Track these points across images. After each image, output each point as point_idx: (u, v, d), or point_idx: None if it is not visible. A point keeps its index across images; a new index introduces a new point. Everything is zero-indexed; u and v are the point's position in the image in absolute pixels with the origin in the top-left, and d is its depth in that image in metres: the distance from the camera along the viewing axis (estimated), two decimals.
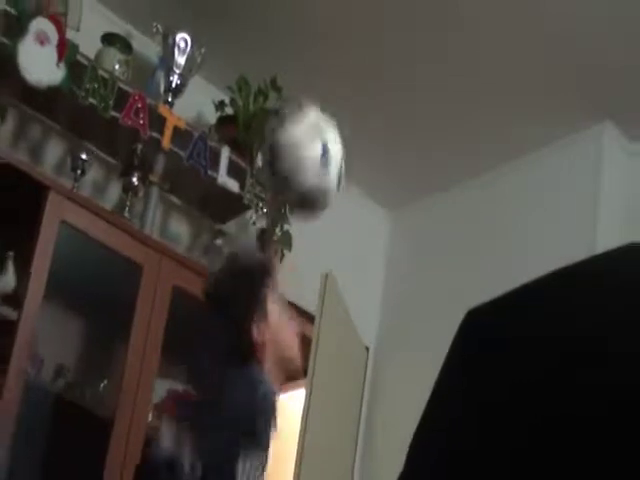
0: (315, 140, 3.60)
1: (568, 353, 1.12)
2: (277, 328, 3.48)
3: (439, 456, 1.24)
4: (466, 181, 5.98)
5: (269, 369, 3.44)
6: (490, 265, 5.58)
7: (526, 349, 1.20)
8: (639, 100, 5.29)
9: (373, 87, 5.48)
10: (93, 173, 4.83)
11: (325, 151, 3.60)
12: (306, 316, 5.39)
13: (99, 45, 4.86)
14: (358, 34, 5.19)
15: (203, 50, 5.04)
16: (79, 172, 4.65)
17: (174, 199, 5.15)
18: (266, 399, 3.27)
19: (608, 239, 5.02)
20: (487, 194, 5.94)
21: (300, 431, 4.87)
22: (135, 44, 5.04)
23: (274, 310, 3.50)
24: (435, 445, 1.26)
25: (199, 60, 5.07)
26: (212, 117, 5.25)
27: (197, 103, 5.22)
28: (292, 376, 5.60)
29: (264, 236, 5.13)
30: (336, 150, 3.65)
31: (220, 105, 5.24)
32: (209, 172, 4.93)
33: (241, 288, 3.46)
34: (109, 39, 4.91)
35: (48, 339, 4.36)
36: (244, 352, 3.39)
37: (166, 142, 4.82)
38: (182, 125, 4.91)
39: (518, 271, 5.18)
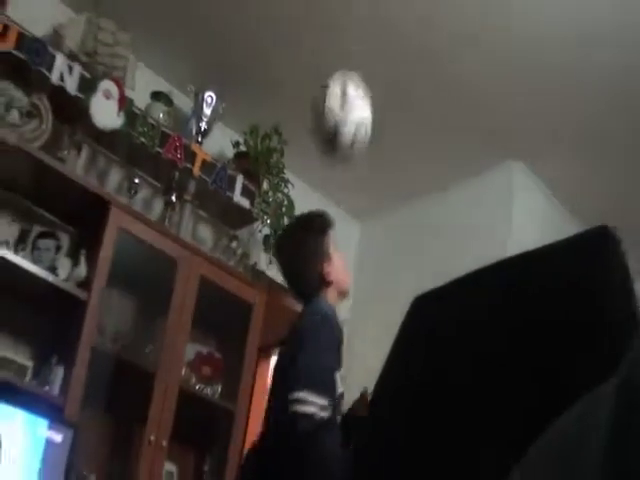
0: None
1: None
2: (338, 269, 3.42)
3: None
4: (413, 201, 6.04)
5: (334, 299, 3.38)
6: (433, 267, 5.60)
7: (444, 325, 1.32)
8: (545, 140, 5.35)
9: None
10: (143, 193, 4.91)
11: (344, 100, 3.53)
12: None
13: (148, 100, 4.95)
14: None
15: (224, 105, 5.15)
16: (133, 192, 4.74)
17: (202, 212, 5.24)
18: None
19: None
20: (429, 213, 5.98)
21: None
22: (175, 100, 5.12)
23: (335, 256, 3.44)
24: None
25: (221, 111, 5.16)
26: (230, 153, 5.35)
27: (219, 143, 5.32)
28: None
29: (268, 241, 5.25)
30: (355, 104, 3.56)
31: (236, 144, 5.34)
32: (227, 193, 5.03)
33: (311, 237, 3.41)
34: (156, 96, 5.01)
35: (110, 313, 4.46)
36: (317, 287, 3.35)
37: (196, 171, 4.91)
38: (208, 159, 5.01)
39: (452, 272, 5.34)
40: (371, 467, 1.29)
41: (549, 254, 1.29)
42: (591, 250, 1.22)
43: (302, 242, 3.43)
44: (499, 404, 1.14)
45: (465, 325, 1.30)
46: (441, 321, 1.35)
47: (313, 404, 2.79)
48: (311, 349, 2.99)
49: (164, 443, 4.21)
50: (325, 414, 2.82)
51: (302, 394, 2.80)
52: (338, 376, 3.03)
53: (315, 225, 3.49)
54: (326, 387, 2.90)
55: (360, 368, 5.78)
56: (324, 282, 3.35)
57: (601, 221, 1.25)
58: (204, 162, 4.98)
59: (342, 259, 3.47)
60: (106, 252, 4.30)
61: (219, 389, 4.71)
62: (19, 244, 4.25)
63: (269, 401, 3.25)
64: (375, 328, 5.85)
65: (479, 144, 5.47)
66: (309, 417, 2.77)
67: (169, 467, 4.47)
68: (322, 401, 2.83)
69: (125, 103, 4.66)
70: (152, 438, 4.18)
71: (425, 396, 1.27)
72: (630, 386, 0.74)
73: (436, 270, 5.47)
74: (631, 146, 5.18)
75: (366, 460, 1.31)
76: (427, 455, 1.21)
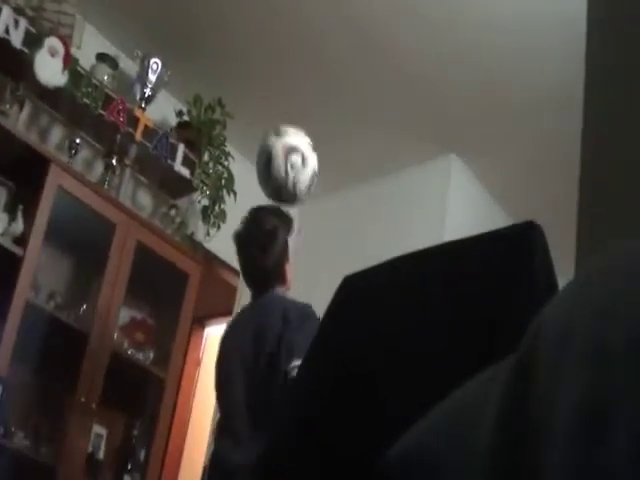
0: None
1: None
2: (291, 271, 3.48)
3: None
4: (355, 184, 5.98)
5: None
6: (369, 252, 5.54)
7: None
8: (482, 137, 5.36)
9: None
10: (83, 154, 4.79)
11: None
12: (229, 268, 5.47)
13: (94, 62, 4.83)
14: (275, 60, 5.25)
15: (169, 72, 5.05)
16: (73, 152, 4.62)
17: (142, 178, 5.12)
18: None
19: None
20: (367, 199, 5.92)
21: None
22: (121, 64, 5.01)
23: (292, 258, 3.48)
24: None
25: (166, 79, 5.05)
26: (173, 121, 5.24)
27: (163, 111, 5.20)
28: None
29: (206, 212, 5.17)
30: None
31: (179, 113, 5.25)
32: (168, 161, 4.94)
33: (279, 237, 3.43)
34: (102, 57, 4.88)
35: (45, 271, 4.32)
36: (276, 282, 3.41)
37: (138, 136, 4.82)
38: (150, 125, 4.91)
39: (387, 257, 5.30)
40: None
41: (476, 242, 1.30)
42: (516, 240, 1.24)
43: (280, 231, 3.45)
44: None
45: (392, 297, 1.33)
46: (371, 295, 1.36)
47: None
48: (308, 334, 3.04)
49: (93, 405, 4.11)
50: None
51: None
52: None
53: (289, 224, 3.52)
54: None
55: None
56: (283, 280, 3.43)
57: (532, 219, 1.24)
58: (146, 128, 4.89)
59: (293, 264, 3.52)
60: (44, 210, 4.19)
61: (151, 355, 4.61)
62: None
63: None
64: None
65: (420, 135, 5.45)
66: None
67: (98, 429, 4.36)
68: None
69: (70, 61, 4.54)
70: (82, 399, 4.08)
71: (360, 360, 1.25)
72: (524, 358, 0.75)
73: (372, 255, 5.47)
74: (566, 146, 5.19)
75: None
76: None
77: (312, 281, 5.94)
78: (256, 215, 3.53)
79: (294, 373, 2.93)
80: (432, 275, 1.30)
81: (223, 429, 3.31)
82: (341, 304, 1.37)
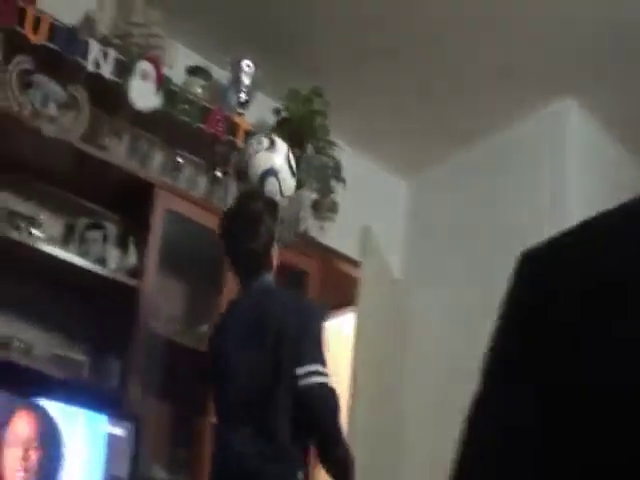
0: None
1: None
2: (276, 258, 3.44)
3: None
4: (463, 149, 5.78)
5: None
6: (492, 211, 5.45)
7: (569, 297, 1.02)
8: (600, 78, 5.07)
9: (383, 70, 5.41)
10: (187, 172, 4.78)
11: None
12: (347, 260, 5.43)
13: (185, 77, 4.83)
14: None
15: (262, 72, 5.00)
16: (176, 172, 4.65)
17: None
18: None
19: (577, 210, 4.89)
20: (482, 159, 5.72)
21: (353, 348, 4.87)
22: (212, 74, 4.98)
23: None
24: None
25: (259, 79, 5.02)
26: (271, 121, 5.19)
27: (260, 113, 5.15)
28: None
29: (317, 206, 5.12)
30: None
31: (277, 111, 5.19)
32: None
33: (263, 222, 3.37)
34: (192, 71, 4.87)
35: (162, 298, 4.34)
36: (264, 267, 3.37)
37: (239, 142, 4.79)
38: (250, 128, 4.88)
39: (511, 219, 5.17)
40: None
41: None
42: None
43: (268, 213, 3.41)
44: None
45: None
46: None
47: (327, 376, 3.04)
48: (315, 329, 3.17)
49: None
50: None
51: (318, 367, 3.03)
52: None
53: (272, 209, 3.48)
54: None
55: (421, 328, 5.65)
56: (270, 265, 3.40)
57: None
58: (246, 132, 4.84)
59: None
60: (155, 236, 4.22)
61: None
62: (66, 239, 4.17)
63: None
64: (432, 289, 5.71)
65: (530, 80, 5.19)
66: (328, 387, 3.03)
67: None
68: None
69: (163, 82, 4.53)
70: (214, 421, 4.09)
71: None
72: None
73: (504, 217, 5.38)
74: None
75: None
76: None
77: (431, 257, 5.86)
78: (243, 198, 3.53)
79: (308, 381, 2.98)
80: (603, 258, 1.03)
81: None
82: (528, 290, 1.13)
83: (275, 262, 3.42)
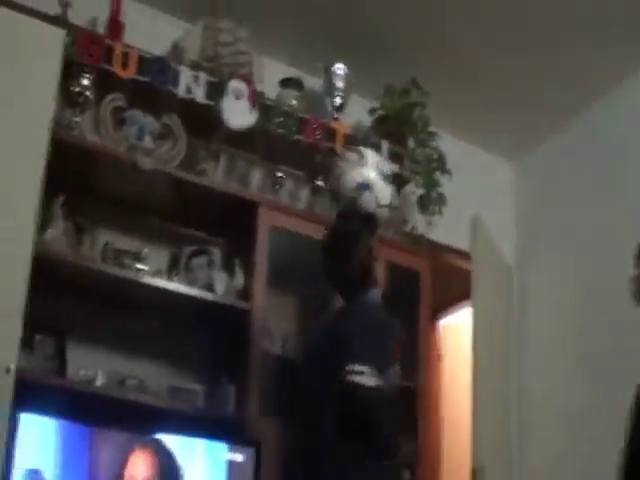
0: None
1: None
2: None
3: None
4: (572, 120, 5.58)
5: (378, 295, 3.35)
6: (608, 187, 5.21)
7: None
8: None
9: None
10: (287, 186, 4.79)
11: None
12: (458, 253, 5.34)
13: (278, 89, 4.81)
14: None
15: (355, 73, 4.95)
16: (277, 187, 4.65)
17: None
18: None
19: None
20: (586, 136, 5.50)
21: (472, 341, 4.78)
22: (305, 83, 4.95)
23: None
24: None
25: (353, 81, 4.96)
26: (367, 122, 5.11)
27: (356, 116, 5.08)
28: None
29: (423, 201, 5.04)
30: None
31: (372, 111, 5.11)
32: None
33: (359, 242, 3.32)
34: (285, 83, 4.85)
35: (274, 317, 4.32)
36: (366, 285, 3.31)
37: (339, 147, 4.73)
38: (349, 132, 4.83)
39: (624, 199, 4.96)
40: None
41: None
42: None
43: (360, 243, 3.34)
44: None
45: None
46: None
47: (373, 380, 2.94)
48: (369, 330, 3.11)
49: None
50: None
51: (365, 368, 2.93)
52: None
53: (374, 222, 3.44)
54: (383, 370, 3.02)
55: (537, 312, 5.52)
56: (373, 282, 3.34)
57: None
58: (345, 137, 4.80)
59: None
60: (261, 254, 4.22)
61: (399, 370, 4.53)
62: (172, 269, 4.21)
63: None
64: (542, 270, 5.57)
65: (626, 39, 4.91)
66: (370, 388, 2.93)
67: None
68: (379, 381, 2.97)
69: (256, 98, 4.52)
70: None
71: None
72: None
73: (605, 197, 5.19)
74: None
75: None
76: None
77: (543, 239, 5.70)
78: (338, 220, 3.48)
79: (353, 378, 2.90)
80: None
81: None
82: None
83: (376, 278, 3.39)
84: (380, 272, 4.42)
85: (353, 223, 3.39)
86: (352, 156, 3.62)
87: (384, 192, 3.54)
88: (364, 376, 2.91)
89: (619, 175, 5.15)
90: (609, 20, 4.78)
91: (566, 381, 5.13)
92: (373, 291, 3.33)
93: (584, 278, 5.21)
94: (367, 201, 3.48)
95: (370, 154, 3.65)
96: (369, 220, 3.44)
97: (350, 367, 2.92)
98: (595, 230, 5.20)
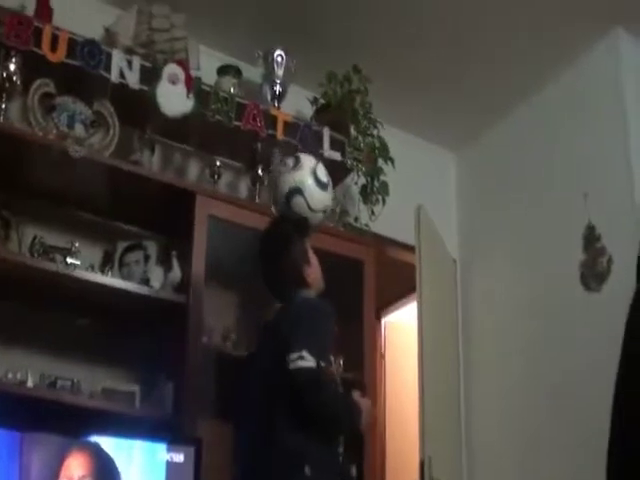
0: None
1: None
2: (315, 271, 3.38)
3: None
4: (506, 114, 5.53)
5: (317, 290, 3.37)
6: (547, 176, 5.15)
7: None
8: None
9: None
10: (226, 177, 4.62)
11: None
12: (403, 246, 5.20)
13: (215, 77, 4.61)
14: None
15: (295, 61, 4.79)
16: (216, 177, 4.45)
17: None
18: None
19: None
20: (525, 122, 5.44)
21: (418, 335, 4.63)
22: (243, 72, 4.76)
23: (312, 258, 3.40)
24: None
25: (293, 69, 4.80)
26: (309, 113, 4.95)
27: (296, 106, 4.92)
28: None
29: (366, 190, 4.90)
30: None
31: (314, 101, 4.96)
32: (317, 150, 4.68)
33: (291, 244, 3.34)
34: (223, 70, 4.65)
35: (213, 311, 4.14)
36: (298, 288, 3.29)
37: (280, 135, 4.59)
38: (290, 119, 4.67)
39: (573, 178, 4.89)
40: None
41: None
42: None
43: (291, 246, 3.36)
44: None
45: None
46: None
47: (312, 361, 2.95)
48: (307, 318, 3.12)
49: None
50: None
51: (303, 353, 2.94)
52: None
53: (301, 228, 3.45)
54: (322, 353, 3.04)
55: (476, 310, 5.43)
56: (305, 284, 3.33)
57: None
58: (286, 124, 4.63)
59: (315, 259, 3.44)
60: (199, 246, 4.02)
61: (341, 362, 4.39)
62: (105, 265, 4.01)
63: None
64: (487, 263, 5.49)
65: (571, 19, 4.80)
66: (311, 370, 2.94)
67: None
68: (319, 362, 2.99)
69: (193, 84, 4.33)
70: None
71: None
72: None
73: (548, 183, 5.12)
74: None
75: None
76: None
77: (485, 231, 5.61)
78: (271, 225, 3.51)
79: (294, 365, 2.92)
80: None
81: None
82: None
83: (313, 277, 3.38)
84: (321, 265, 4.32)
85: (284, 227, 3.42)
86: (289, 161, 3.60)
87: (317, 196, 3.52)
88: (303, 360, 2.92)
89: (561, 163, 5.06)
90: (545, 13, 4.74)
91: (513, 372, 5.04)
92: (306, 292, 3.32)
93: (529, 269, 5.15)
94: (299, 206, 3.48)
95: (306, 158, 3.63)
96: (300, 224, 3.45)
97: (291, 356, 2.93)
98: (539, 220, 5.12)
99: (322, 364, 2.98)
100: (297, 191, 3.48)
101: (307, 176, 3.51)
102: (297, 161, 3.56)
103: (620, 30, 4.88)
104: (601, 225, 4.67)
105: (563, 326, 4.76)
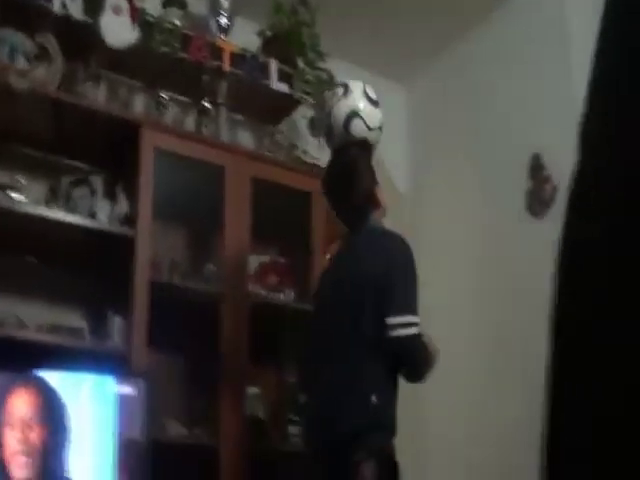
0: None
1: None
2: (383, 196, 3.42)
3: None
4: (454, 43, 5.49)
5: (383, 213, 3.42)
6: (495, 107, 5.15)
7: None
8: None
9: None
10: (173, 112, 4.54)
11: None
12: None
13: (161, 9, 4.50)
14: None
15: None
16: (162, 109, 4.38)
17: (238, 116, 4.85)
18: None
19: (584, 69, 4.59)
20: (472, 51, 5.41)
21: None
22: (189, 4, 4.64)
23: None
24: None
25: (239, 1, 4.72)
26: (256, 45, 4.84)
27: (243, 39, 4.76)
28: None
29: (314, 122, 4.87)
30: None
31: (261, 32, 4.89)
32: (264, 82, 4.64)
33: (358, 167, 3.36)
34: (168, 1, 4.54)
35: (161, 244, 4.11)
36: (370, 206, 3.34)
37: (226, 66, 4.53)
38: (237, 50, 4.61)
39: (520, 107, 4.87)
40: None
41: None
42: None
43: (361, 158, 3.40)
44: None
45: None
46: None
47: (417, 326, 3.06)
48: (410, 280, 3.14)
49: (243, 365, 3.95)
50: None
51: (409, 318, 3.03)
52: None
53: (368, 146, 3.51)
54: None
55: (425, 242, 5.41)
56: (378, 205, 3.38)
57: None
58: (232, 55, 4.58)
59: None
60: (145, 179, 3.96)
61: (292, 294, 4.39)
62: (51, 200, 3.94)
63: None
64: (437, 195, 5.48)
65: None
66: (420, 338, 3.07)
67: (252, 390, 4.18)
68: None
69: (137, 14, 4.25)
70: (229, 363, 3.92)
71: None
72: None
73: (497, 111, 5.12)
74: None
75: None
76: None
77: (435, 164, 5.59)
78: (334, 154, 3.52)
79: (400, 333, 3.00)
80: None
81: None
82: None
83: (382, 198, 3.42)
84: (271, 197, 4.32)
85: (350, 151, 3.43)
86: (338, 90, 3.67)
87: (373, 114, 3.61)
88: (412, 327, 3.03)
89: (509, 94, 5.05)
90: None
91: (463, 320, 5.06)
92: (375, 214, 3.37)
93: (477, 199, 5.14)
94: (358, 128, 3.53)
95: (354, 83, 3.68)
96: (363, 145, 3.50)
97: (397, 319, 3.02)
98: (487, 151, 5.12)
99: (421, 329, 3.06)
100: (354, 114, 3.54)
101: (360, 98, 3.59)
102: (346, 88, 3.63)
103: None
104: (546, 154, 4.69)
105: (510, 251, 4.78)
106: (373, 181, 3.36)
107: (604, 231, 0.86)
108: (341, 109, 3.56)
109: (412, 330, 3.01)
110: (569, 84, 4.61)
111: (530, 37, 5.00)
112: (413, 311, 3.05)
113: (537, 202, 4.69)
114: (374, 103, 3.61)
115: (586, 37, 4.29)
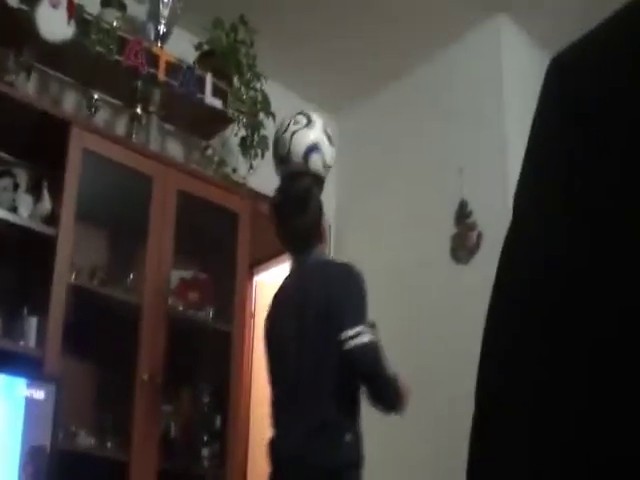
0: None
1: None
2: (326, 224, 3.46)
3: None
4: (390, 83, 5.46)
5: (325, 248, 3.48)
6: (424, 148, 5.13)
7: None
8: None
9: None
10: (104, 113, 4.36)
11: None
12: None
13: (99, 8, 4.32)
14: None
15: (181, 2, 4.58)
16: (93, 110, 4.18)
17: (169, 126, 4.69)
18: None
19: (515, 126, 4.62)
20: (407, 93, 5.40)
21: None
22: (129, 8, 4.49)
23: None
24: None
25: (179, 11, 4.59)
26: (192, 57, 4.70)
27: (180, 49, 4.62)
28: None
29: (246, 142, 4.74)
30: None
31: (199, 46, 4.76)
32: (198, 95, 4.50)
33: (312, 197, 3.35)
34: (106, 1, 4.37)
35: (82, 247, 3.89)
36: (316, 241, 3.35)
37: (161, 75, 4.39)
38: (173, 60, 4.47)
39: (449, 153, 4.86)
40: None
41: None
42: None
43: (315, 189, 3.42)
44: None
45: None
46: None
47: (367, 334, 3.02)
48: (357, 299, 3.15)
49: (158, 381, 3.75)
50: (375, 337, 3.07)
51: (359, 328, 3.02)
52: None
53: (322, 181, 3.55)
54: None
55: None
56: (322, 238, 3.40)
57: None
58: (168, 64, 4.44)
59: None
60: (71, 179, 3.78)
61: (211, 313, 4.21)
62: None
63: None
64: (361, 230, 5.41)
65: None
66: (371, 343, 3.02)
67: (166, 407, 3.97)
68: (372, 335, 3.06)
69: (75, 10, 4.07)
70: (145, 377, 3.71)
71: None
72: None
73: (425, 155, 5.08)
74: None
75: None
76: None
77: (362, 193, 5.51)
78: (289, 178, 3.48)
79: (351, 344, 2.97)
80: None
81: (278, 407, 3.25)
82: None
83: (326, 234, 3.46)
84: (198, 214, 4.17)
85: (306, 179, 3.43)
86: (300, 118, 3.65)
87: (329, 154, 3.65)
88: (361, 336, 2.99)
89: (439, 137, 5.04)
90: None
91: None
92: (320, 246, 3.38)
93: (402, 239, 5.10)
94: (317, 161, 3.55)
95: (316, 117, 3.70)
96: (317, 179, 3.50)
97: (348, 333, 2.98)
98: (414, 192, 5.09)
99: (374, 337, 3.04)
100: (315, 148, 3.55)
101: (321, 133, 3.61)
102: (309, 119, 3.63)
103: (504, 16, 4.95)
104: (473, 201, 4.67)
105: (433, 296, 4.72)
106: (322, 215, 3.37)
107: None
108: (304, 138, 3.55)
109: (364, 338, 2.98)
110: (501, 134, 4.63)
111: (462, 87, 5.03)
112: (363, 322, 3.04)
113: (462, 248, 4.66)
114: (331, 142, 3.65)
115: (520, 91, 4.36)
